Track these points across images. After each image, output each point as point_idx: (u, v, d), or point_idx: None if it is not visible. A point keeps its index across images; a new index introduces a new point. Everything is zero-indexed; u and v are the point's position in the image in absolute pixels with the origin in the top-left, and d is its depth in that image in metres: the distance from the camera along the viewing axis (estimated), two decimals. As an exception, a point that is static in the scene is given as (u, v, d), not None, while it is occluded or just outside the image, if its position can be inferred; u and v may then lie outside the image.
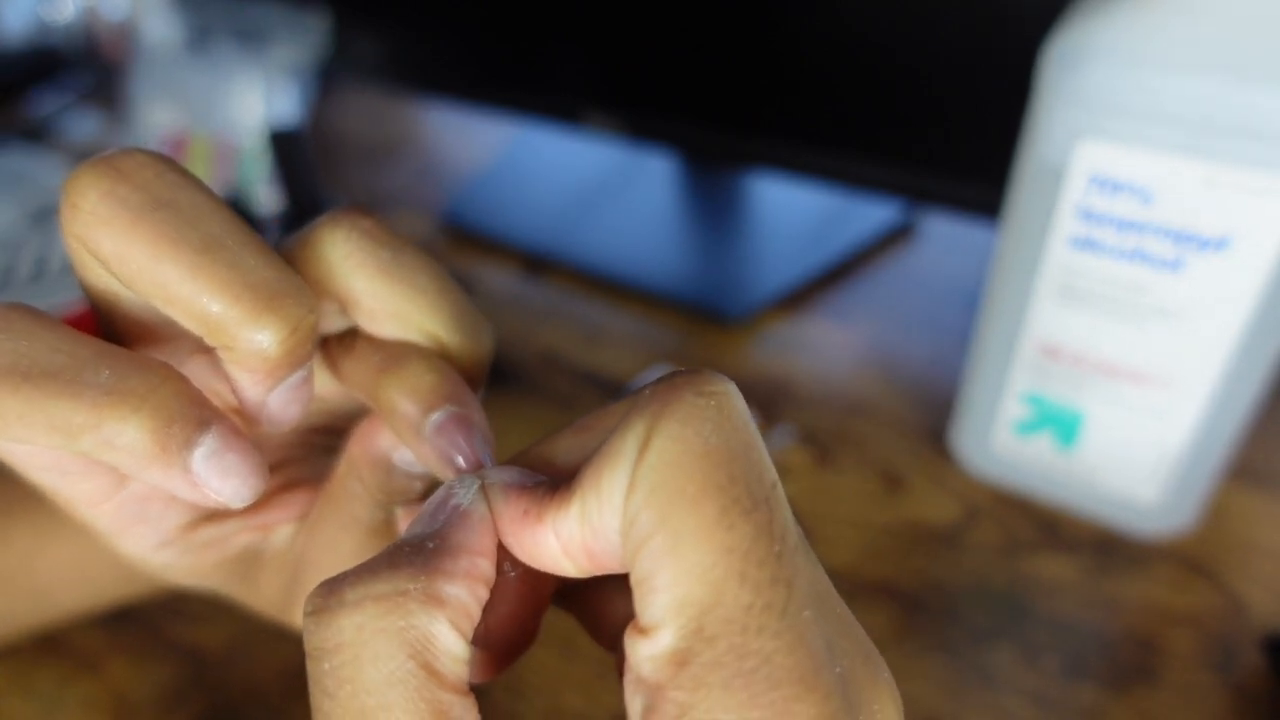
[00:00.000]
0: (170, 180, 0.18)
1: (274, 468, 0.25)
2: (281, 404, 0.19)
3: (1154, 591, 0.40)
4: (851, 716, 0.15)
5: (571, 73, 0.62)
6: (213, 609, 0.40)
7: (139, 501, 0.22)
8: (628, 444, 0.15)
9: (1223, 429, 0.38)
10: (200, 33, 0.75)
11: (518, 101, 0.66)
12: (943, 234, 0.63)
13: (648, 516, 0.15)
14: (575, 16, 0.59)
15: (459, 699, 0.15)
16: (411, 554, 0.16)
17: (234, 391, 0.19)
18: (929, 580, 0.41)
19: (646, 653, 0.15)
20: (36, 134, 0.83)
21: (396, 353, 0.20)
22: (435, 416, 0.19)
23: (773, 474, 0.16)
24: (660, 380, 0.16)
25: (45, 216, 0.63)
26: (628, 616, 0.16)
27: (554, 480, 0.17)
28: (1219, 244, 0.33)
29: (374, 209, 0.22)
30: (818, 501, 0.45)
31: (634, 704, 0.15)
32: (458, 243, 0.67)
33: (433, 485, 0.21)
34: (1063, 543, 0.42)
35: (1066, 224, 0.36)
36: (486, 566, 0.17)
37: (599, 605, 0.20)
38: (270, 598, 0.25)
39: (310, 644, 0.15)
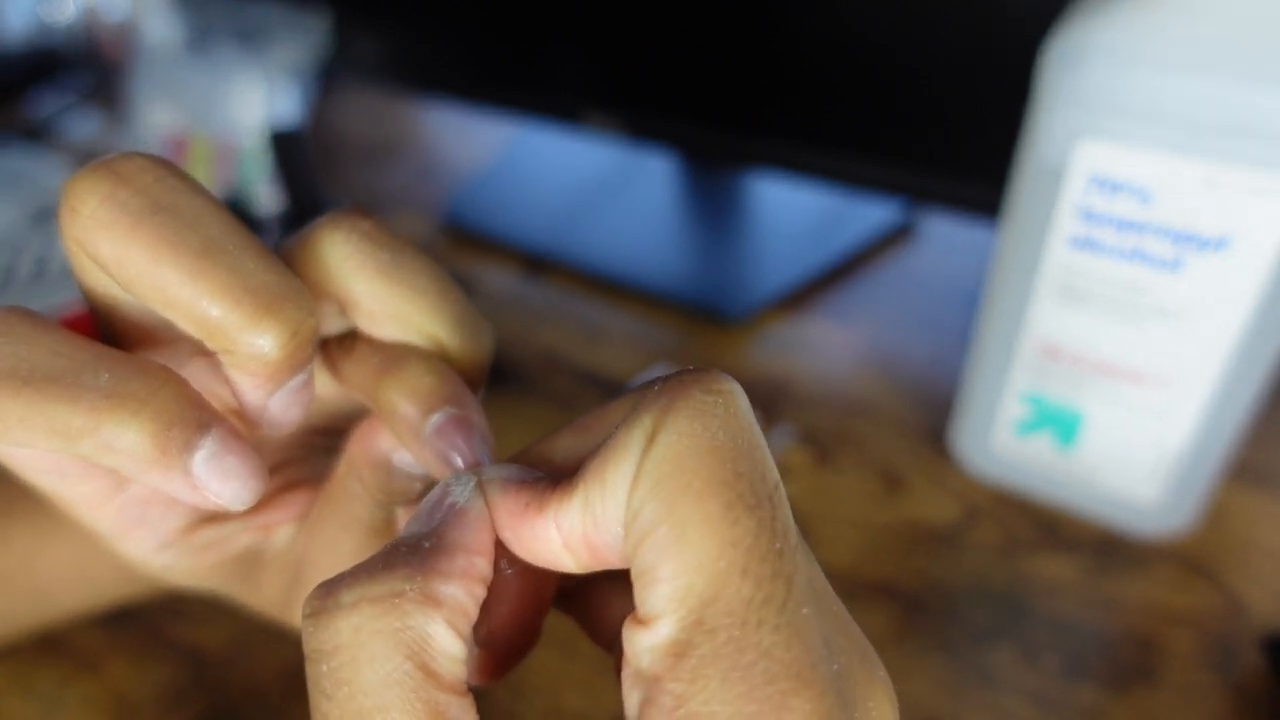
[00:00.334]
0: (170, 184, 0.18)
1: (274, 468, 0.25)
2: (282, 407, 0.19)
3: (1154, 591, 0.40)
4: (847, 713, 0.15)
5: (571, 73, 0.62)
6: (213, 609, 0.40)
7: (139, 504, 0.22)
8: (634, 437, 0.15)
9: (1223, 429, 0.38)
10: (200, 33, 0.75)
11: (518, 101, 0.66)
12: (943, 234, 0.63)
13: (652, 509, 0.15)
14: (575, 16, 0.59)
15: (456, 699, 0.15)
16: (407, 554, 0.16)
17: (234, 395, 0.19)
18: (929, 580, 0.41)
19: (646, 644, 0.15)
20: (37, 134, 0.83)
21: (396, 354, 0.21)
22: (434, 418, 0.19)
23: (775, 473, 0.16)
24: (668, 377, 0.16)
25: (45, 216, 0.63)
26: (627, 617, 0.16)
27: (554, 476, 0.17)
28: (1219, 244, 0.33)
29: (374, 209, 0.22)
30: (818, 501, 0.45)
31: (631, 697, 0.15)
32: (458, 243, 0.67)
33: (432, 486, 0.21)
34: (1063, 543, 0.42)
35: (1066, 224, 0.36)
36: (483, 565, 0.17)
37: (599, 606, 0.20)
38: (271, 598, 0.25)
39: (308, 646, 0.15)
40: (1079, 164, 0.35)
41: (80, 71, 0.91)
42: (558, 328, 0.58)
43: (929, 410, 0.50)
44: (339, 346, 0.22)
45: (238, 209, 0.64)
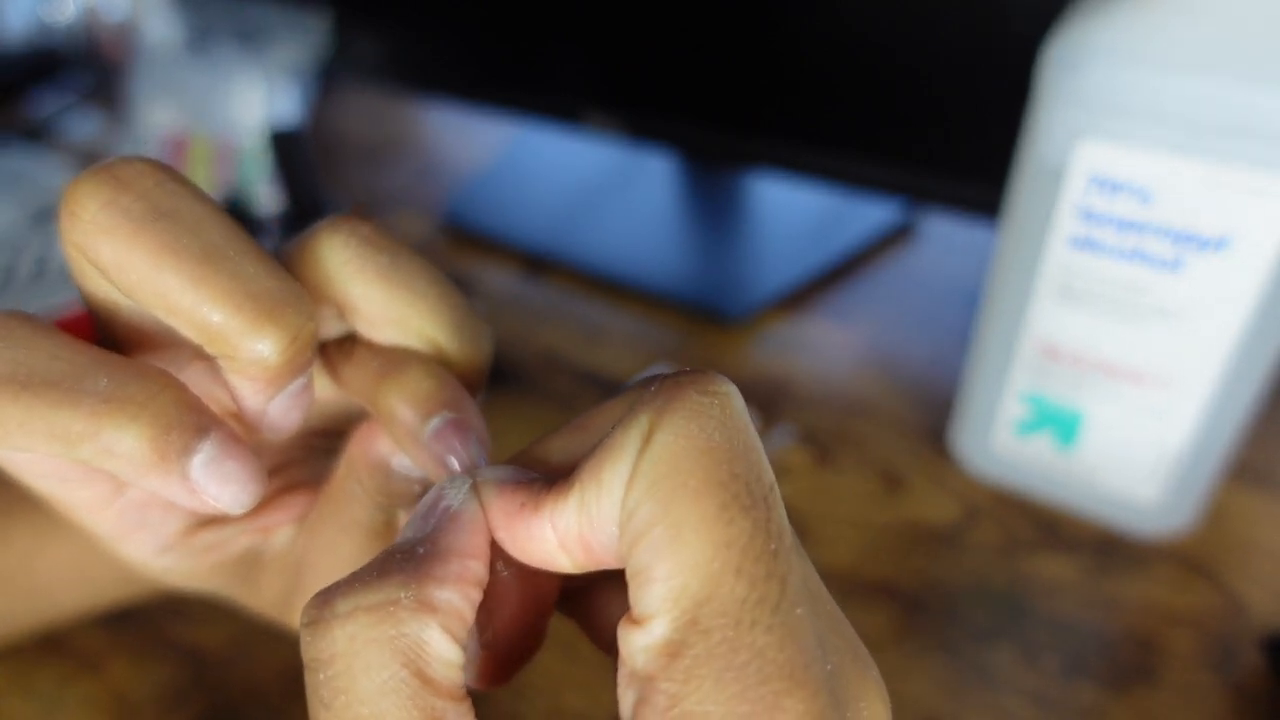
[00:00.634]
0: (171, 189, 0.18)
1: (273, 470, 0.25)
2: (282, 411, 0.20)
3: (1154, 591, 0.40)
4: (840, 713, 0.15)
5: (571, 73, 0.62)
6: (213, 609, 0.40)
7: (139, 507, 0.22)
8: (630, 437, 0.15)
9: (1223, 429, 0.38)
10: (200, 33, 0.75)
11: (518, 101, 0.66)
12: (943, 234, 0.63)
13: (648, 508, 0.15)
14: (575, 16, 0.59)
15: (453, 704, 0.15)
16: (402, 561, 0.16)
17: (234, 399, 0.19)
18: (929, 580, 0.41)
19: (640, 644, 0.15)
20: (37, 134, 0.83)
21: (395, 359, 0.21)
22: (433, 423, 0.19)
23: (770, 475, 0.16)
24: (664, 378, 0.16)
25: (45, 216, 0.63)
26: (622, 617, 0.16)
27: (550, 477, 0.17)
28: (1218, 244, 0.33)
29: (374, 209, 0.22)
30: (818, 501, 0.45)
31: (626, 697, 0.15)
32: (458, 243, 0.67)
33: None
34: (1063, 543, 0.42)
35: (1066, 224, 0.36)
36: (478, 568, 0.17)
37: (600, 609, 0.20)
38: (271, 599, 0.25)
39: (306, 655, 0.15)
40: (1079, 164, 0.35)
41: (80, 71, 0.91)
42: (558, 328, 0.58)
43: (929, 410, 0.50)
44: (338, 350, 0.22)
45: (238, 209, 0.64)
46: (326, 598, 0.15)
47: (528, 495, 0.17)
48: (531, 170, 0.72)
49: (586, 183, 0.69)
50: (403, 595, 0.15)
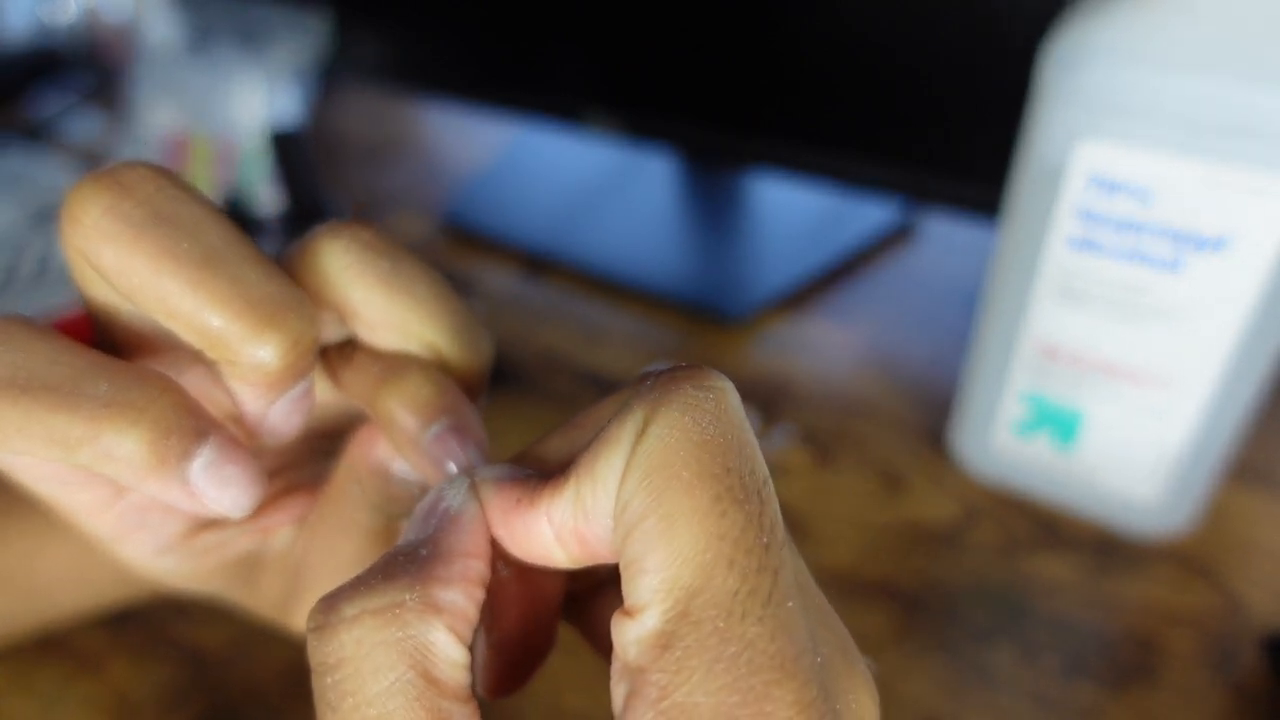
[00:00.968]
0: (172, 194, 0.18)
1: (273, 472, 0.25)
2: (282, 416, 0.20)
3: (1154, 591, 0.40)
4: (829, 704, 0.15)
5: (571, 72, 0.62)
6: (213, 609, 0.40)
7: (139, 510, 0.22)
8: (625, 431, 0.15)
9: (1223, 429, 0.38)
10: (201, 33, 0.75)
11: (518, 101, 0.66)
12: (942, 234, 0.63)
13: (641, 500, 0.15)
14: (575, 16, 0.59)
15: (459, 706, 0.15)
16: (405, 563, 0.16)
17: (235, 404, 0.19)
18: (929, 580, 0.41)
19: (632, 635, 0.15)
20: (37, 134, 0.83)
21: (395, 364, 0.21)
22: (433, 429, 0.19)
23: (764, 469, 0.16)
24: (660, 373, 0.16)
25: (46, 217, 0.63)
26: (615, 611, 0.16)
27: (547, 473, 0.18)
28: (1218, 244, 0.33)
29: (374, 209, 0.22)
30: (817, 501, 0.45)
31: (618, 690, 0.15)
32: (458, 243, 0.67)
33: None
34: (1062, 543, 0.42)
35: (1066, 224, 0.36)
36: (480, 568, 0.17)
37: (602, 617, 0.20)
38: (270, 601, 0.25)
39: (313, 660, 0.15)
40: (1079, 164, 0.35)
41: (81, 72, 0.91)
42: (558, 328, 0.58)
43: (929, 410, 0.50)
44: (338, 354, 0.22)
45: (238, 210, 0.64)
46: (332, 602, 0.15)
47: (524, 490, 0.17)
48: (531, 170, 0.72)
49: (586, 183, 0.69)
50: (408, 597, 0.15)
